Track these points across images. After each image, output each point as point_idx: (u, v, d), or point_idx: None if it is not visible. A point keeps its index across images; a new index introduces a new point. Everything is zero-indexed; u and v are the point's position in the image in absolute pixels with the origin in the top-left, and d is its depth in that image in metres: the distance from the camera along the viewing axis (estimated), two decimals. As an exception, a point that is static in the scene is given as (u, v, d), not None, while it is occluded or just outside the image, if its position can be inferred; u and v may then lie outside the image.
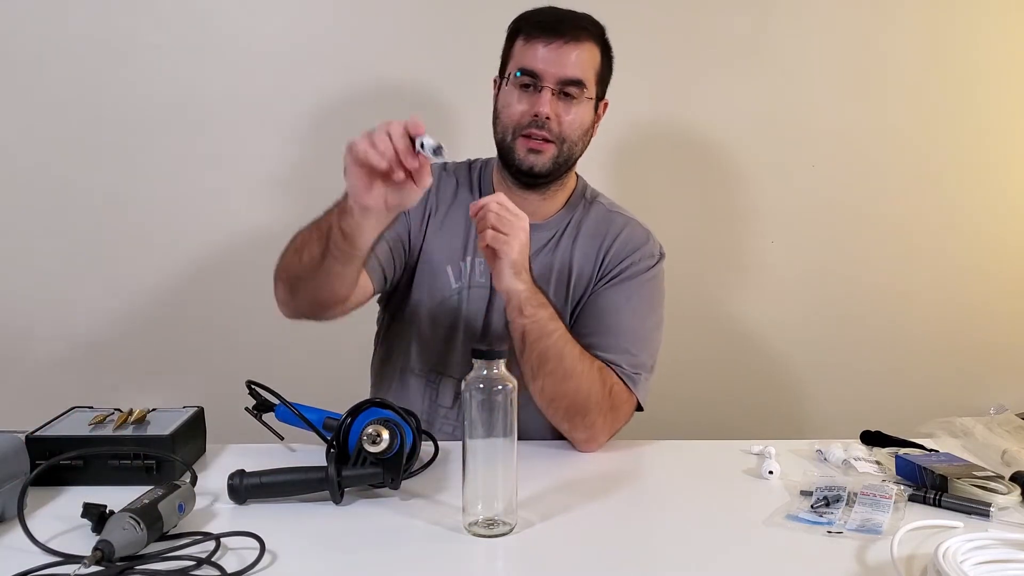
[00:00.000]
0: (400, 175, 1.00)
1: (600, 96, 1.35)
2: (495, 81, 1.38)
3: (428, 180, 1.03)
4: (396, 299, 1.41)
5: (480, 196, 1.39)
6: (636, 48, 1.80)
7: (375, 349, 1.50)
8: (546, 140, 1.30)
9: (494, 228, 1.16)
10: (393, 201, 1.04)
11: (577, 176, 1.43)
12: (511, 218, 1.18)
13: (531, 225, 1.32)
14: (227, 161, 1.83)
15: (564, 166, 1.35)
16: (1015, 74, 1.90)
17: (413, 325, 1.40)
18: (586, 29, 1.31)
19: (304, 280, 1.18)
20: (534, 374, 1.23)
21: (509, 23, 1.36)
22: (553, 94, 1.29)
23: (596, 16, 1.34)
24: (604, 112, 1.38)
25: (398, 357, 1.42)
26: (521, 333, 1.22)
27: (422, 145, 0.99)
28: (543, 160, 1.31)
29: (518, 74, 1.30)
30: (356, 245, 1.11)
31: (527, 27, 1.31)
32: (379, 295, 1.45)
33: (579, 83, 1.30)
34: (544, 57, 1.28)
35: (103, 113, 1.79)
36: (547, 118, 1.29)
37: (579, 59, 1.29)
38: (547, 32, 1.29)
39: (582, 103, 1.31)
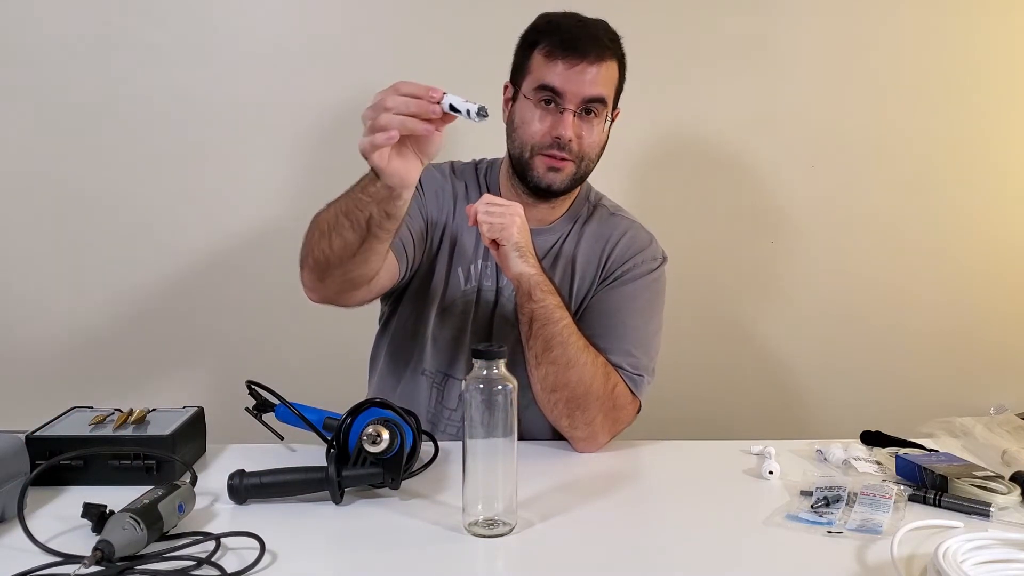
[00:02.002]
0: (429, 128, 0.98)
1: (614, 106, 1.35)
2: (506, 86, 1.36)
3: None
4: (408, 297, 1.41)
5: None
6: (634, 48, 1.79)
7: (377, 345, 1.49)
8: (565, 159, 1.30)
9: (488, 222, 1.19)
10: (426, 160, 1.05)
11: None
12: (501, 208, 1.21)
13: (536, 230, 1.32)
14: (228, 161, 1.83)
15: (580, 182, 1.36)
16: (1015, 74, 1.90)
17: (422, 325, 1.39)
18: (607, 46, 1.29)
19: (336, 266, 1.15)
20: (538, 361, 1.23)
21: (525, 28, 1.34)
22: (574, 115, 1.28)
23: (597, 15, 1.34)
24: (615, 119, 1.37)
25: (407, 356, 1.42)
26: (529, 318, 1.22)
27: (452, 108, 0.97)
28: (561, 178, 1.31)
29: (541, 90, 1.28)
30: (399, 218, 1.10)
31: (548, 42, 1.29)
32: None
33: (601, 100, 1.29)
34: (566, 77, 1.27)
35: (104, 113, 1.79)
36: (569, 140, 1.28)
37: (600, 77, 1.28)
38: (569, 51, 1.27)
39: (600, 121, 1.31)
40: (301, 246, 1.20)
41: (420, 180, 1.37)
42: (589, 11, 1.34)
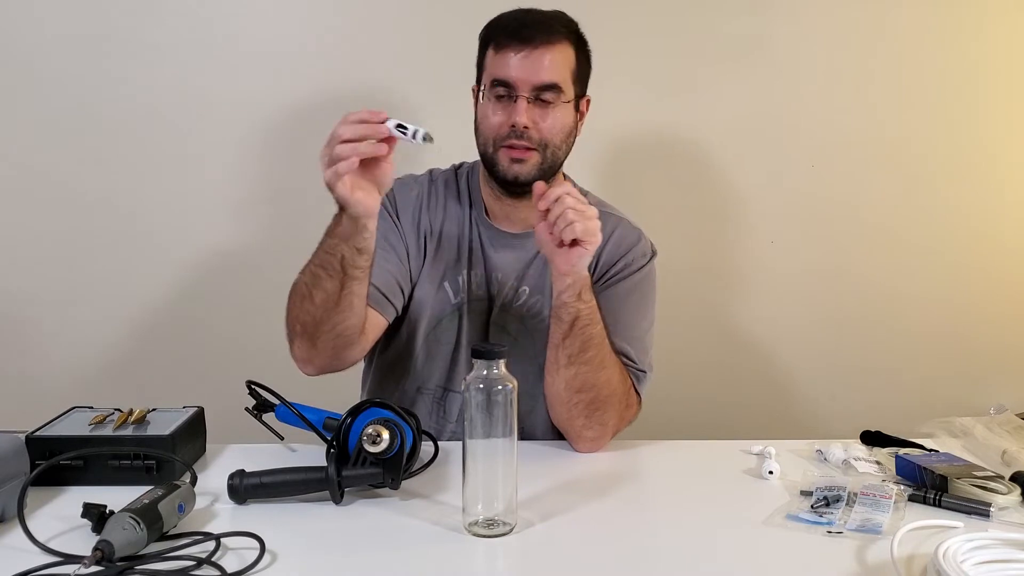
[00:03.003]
0: (380, 148, 1.07)
1: (581, 94, 1.33)
2: (473, 90, 1.36)
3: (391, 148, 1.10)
4: (395, 320, 1.38)
5: (470, 205, 1.39)
6: (634, 48, 1.80)
7: (367, 363, 1.46)
8: (528, 148, 1.28)
9: (583, 225, 1.14)
10: (381, 194, 1.12)
11: (564, 176, 1.41)
12: (585, 207, 1.15)
13: (522, 233, 1.31)
14: (229, 161, 1.83)
15: (550, 171, 1.33)
16: (1014, 74, 1.89)
17: (414, 343, 1.38)
18: (557, 30, 1.28)
19: (323, 321, 1.18)
20: (571, 361, 1.21)
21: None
22: (528, 102, 1.26)
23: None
24: (587, 109, 1.36)
25: (401, 375, 1.40)
26: (574, 317, 1.19)
27: (401, 128, 1.05)
28: (527, 169, 1.29)
29: (494, 85, 1.27)
30: (369, 253, 1.15)
31: (496, 35, 1.29)
32: None
33: (554, 87, 1.27)
34: (516, 65, 1.25)
35: (104, 113, 1.79)
36: (525, 127, 1.26)
37: (552, 62, 1.26)
38: (516, 39, 1.26)
39: (559, 106, 1.28)
40: (285, 323, 1.24)
41: (396, 206, 1.37)
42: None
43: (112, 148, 1.81)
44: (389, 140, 1.08)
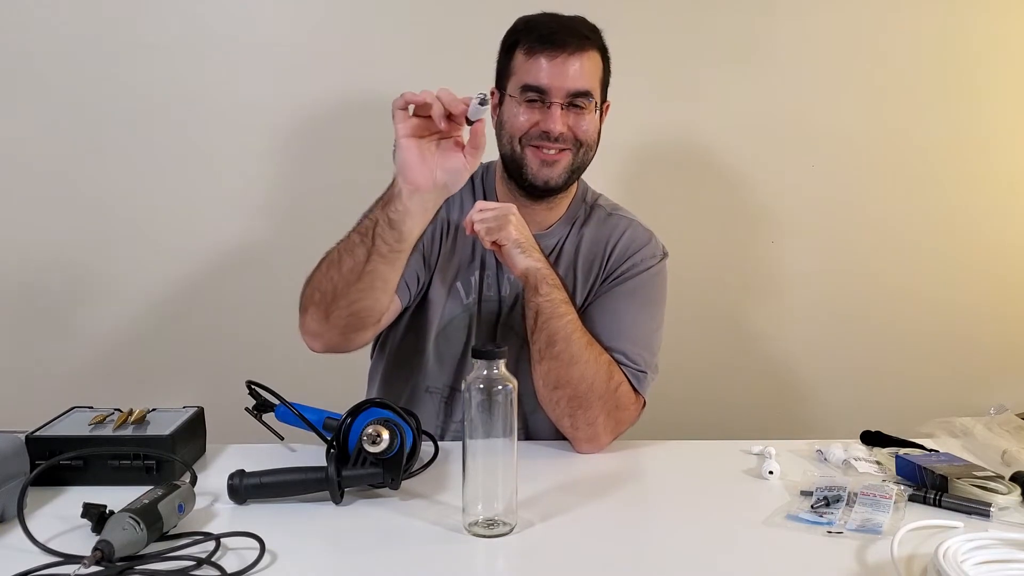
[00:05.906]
0: (448, 125, 1.05)
1: (603, 100, 1.34)
2: (492, 92, 1.36)
3: (481, 150, 1.09)
4: (406, 317, 1.38)
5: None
6: (636, 48, 1.80)
7: (376, 358, 1.47)
8: (561, 150, 1.29)
9: (484, 226, 1.20)
10: (441, 180, 1.09)
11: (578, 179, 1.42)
12: (493, 211, 1.21)
13: (535, 234, 1.31)
14: (229, 161, 1.83)
15: (578, 173, 1.34)
16: (1015, 73, 1.90)
17: (425, 342, 1.38)
18: (587, 37, 1.29)
19: (343, 293, 1.15)
20: (541, 356, 1.23)
21: (505, 31, 1.34)
22: (562, 108, 1.27)
23: (596, 17, 1.34)
24: (607, 113, 1.37)
25: (409, 373, 1.40)
26: (535, 312, 1.22)
27: (470, 120, 1.06)
28: (557, 172, 1.30)
29: (525, 90, 1.28)
30: (403, 235, 1.11)
31: (528, 40, 1.29)
32: None
33: (587, 94, 1.28)
34: (549, 72, 1.26)
35: (104, 113, 1.79)
36: (560, 133, 1.28)
37: (583, 70, 1.27)
38: (549, 45, 1.26)
39: (590, 112, 1.30)
40: (301, 295, 1.22)
41: None
42: (591, 11, 1.34)
43: (112, 149, 1.81)
44: (451, 135, 1.09)
